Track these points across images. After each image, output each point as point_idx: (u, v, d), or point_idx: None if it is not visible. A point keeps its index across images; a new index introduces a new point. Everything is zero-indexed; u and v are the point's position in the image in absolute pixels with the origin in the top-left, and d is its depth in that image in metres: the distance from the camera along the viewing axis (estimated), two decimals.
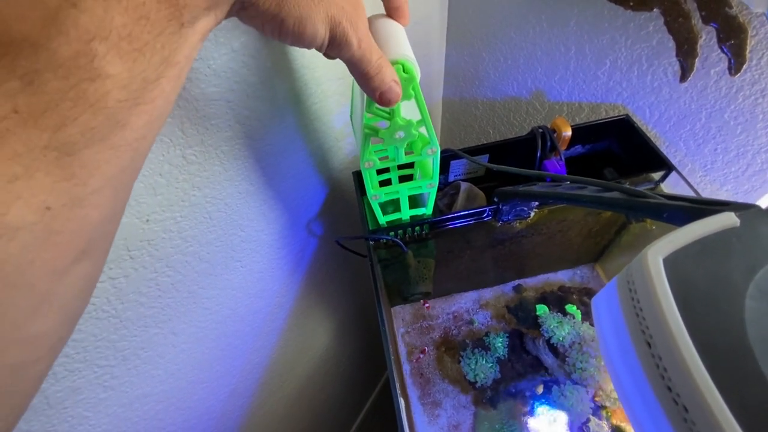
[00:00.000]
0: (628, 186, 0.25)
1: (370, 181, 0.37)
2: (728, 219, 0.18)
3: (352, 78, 0.26)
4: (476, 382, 0.50)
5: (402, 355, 0.60)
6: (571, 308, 0.50)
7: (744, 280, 0.17)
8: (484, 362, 0.50)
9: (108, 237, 0.17)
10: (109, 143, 0.15)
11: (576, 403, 0.41)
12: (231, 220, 0.40)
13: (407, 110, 0.31)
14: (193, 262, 0.38)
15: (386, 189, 0.39)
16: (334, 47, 0.23)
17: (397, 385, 0.35)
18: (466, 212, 0.46)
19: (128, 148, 0.15)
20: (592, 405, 0.42)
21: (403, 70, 0.28)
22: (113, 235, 0.17)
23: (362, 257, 0.61)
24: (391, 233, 0.47)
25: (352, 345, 0.91)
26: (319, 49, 0.23)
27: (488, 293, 0.65)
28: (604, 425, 0.41)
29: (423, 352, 0.58)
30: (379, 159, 0.34)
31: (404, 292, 0.54)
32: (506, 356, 0.50)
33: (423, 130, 0.32)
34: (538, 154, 0.50)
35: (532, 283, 0.64)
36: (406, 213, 0.45)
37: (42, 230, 0.13)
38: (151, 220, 0.31)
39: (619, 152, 0.55)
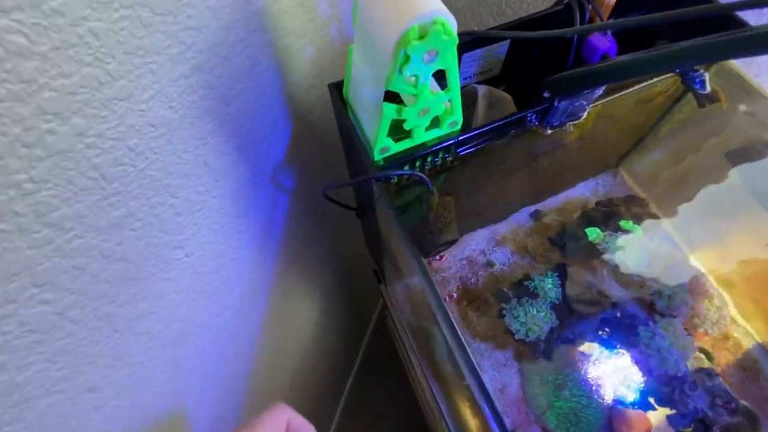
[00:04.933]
0: None
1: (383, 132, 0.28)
2: None
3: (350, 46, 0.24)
4: (527, 336, 0.40)
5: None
6: (627, 224, 0.41)
7: None
8: (535, 312, 0.40)
9: None
10: None
11: (675, 339, 0.33)
12: (147, 178, 0.22)
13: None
14: (94, 265, 0.20)
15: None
16: None
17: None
18: (505, 120, 0.32)
19: None
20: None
21: (444, 32, 0.22)
22: None
23: (351, 210, 0.46)
24: (406, 166, 0.32)
25: (337, 314, 0.79)
26: None
27: (502, 227, 0.54)
28: (702, 358, 0.33)
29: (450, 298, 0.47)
30: (395, 141, 0.29)
31: (424, 245, 0.41)
32: (561, 299, 0.40)
33: (448, 103, 0.29)
34: None
35: (551, 205, 0.54)
36: (420, 137, 0.31)
37: None
38: None
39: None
